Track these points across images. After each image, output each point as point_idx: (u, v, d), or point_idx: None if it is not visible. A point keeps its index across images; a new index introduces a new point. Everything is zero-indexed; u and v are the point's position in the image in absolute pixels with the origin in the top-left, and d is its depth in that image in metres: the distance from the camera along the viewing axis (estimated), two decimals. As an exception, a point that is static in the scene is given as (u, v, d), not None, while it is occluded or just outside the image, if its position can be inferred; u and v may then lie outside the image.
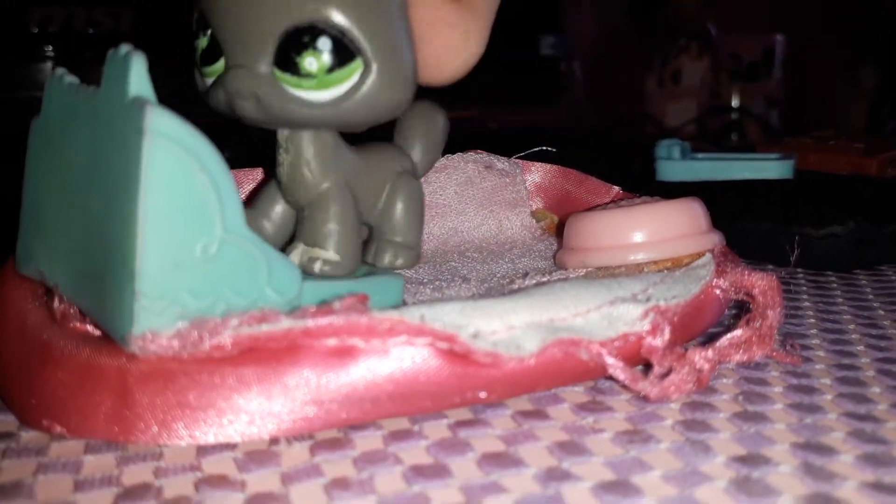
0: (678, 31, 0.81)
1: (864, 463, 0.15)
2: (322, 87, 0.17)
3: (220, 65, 0.18)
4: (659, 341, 0.17)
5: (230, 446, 0.15)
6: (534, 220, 0.28)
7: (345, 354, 0.15)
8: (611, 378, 0.17)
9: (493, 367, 0.16)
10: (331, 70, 0.17)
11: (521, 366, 0.16)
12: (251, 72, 0.17)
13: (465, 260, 0.26)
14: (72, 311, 0.17)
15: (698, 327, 0.19)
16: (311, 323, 0.15)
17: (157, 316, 0.15)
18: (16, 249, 0.19)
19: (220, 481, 0.14)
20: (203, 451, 0.15)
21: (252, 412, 0.15)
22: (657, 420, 0.16)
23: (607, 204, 0.24)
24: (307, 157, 0.19)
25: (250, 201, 0.21)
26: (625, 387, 0.18)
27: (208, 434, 0.15)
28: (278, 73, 0.17)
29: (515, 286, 0.22)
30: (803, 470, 0.14)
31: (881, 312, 0.24)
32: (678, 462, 0.15)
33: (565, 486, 0.14)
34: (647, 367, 0.17)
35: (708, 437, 0.16)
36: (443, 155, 0.26)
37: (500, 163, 0.28)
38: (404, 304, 0.19)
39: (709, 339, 0.19)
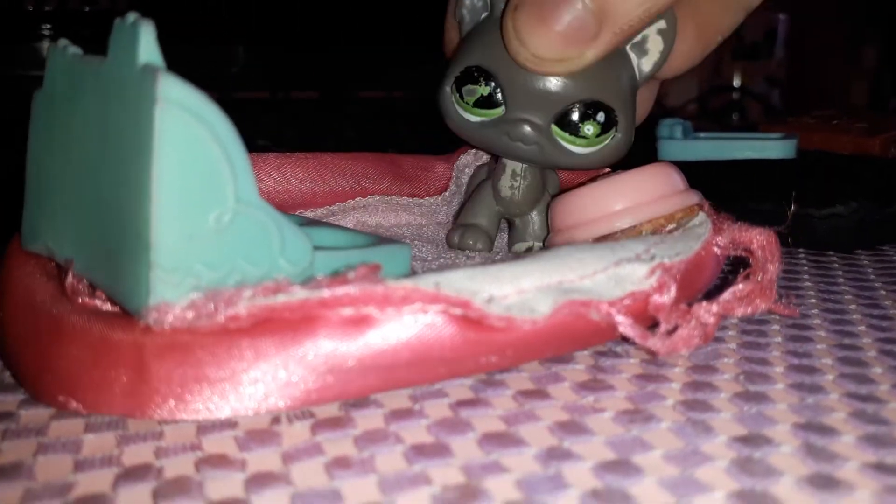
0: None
1: (866, 444, 0.15)
2: (589, 145, 0.23)
3: (498, 111, 0.23)
4: (666, 298, 0.17)
5: (231, 425, 0.15)
6: None
7: (360, 323, 0.15)
8: (623, 338, 0.18)
9: (508, 331, 0.16)
10: (599, 135, 0.23)
11: (534, 328, 0.16)
12: (537, 126, 0.23)
13: None
14: (81, 285, 0.17)
15: (699, 284, 0.20)
16: (327, 293, 0.15)
17: (172, 287, 0.14)
18: (21, 226, 0.19)
19: (220, 461, 0.14)
20: (203, 429, 0.15)
21: (269, 383, 0.15)
22: (658, 399, 0.16)
23: (584, 182, 0.25)
24: (535, 183, 0.25)
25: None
26: (634, 345, 0.18)
27: (225, 407, 0.15)
28: (556, 129, 0.23)
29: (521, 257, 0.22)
30: (804, 450, 0.14)
31: (883, 293, 0.24)
32: (679, 442, 0.15)
33: (566, 465, 0.14)
34: (654, 327, 0.18)
35: (709, 416, 0.16)
36: (448, 153, 0.30)
37: None
38: (414, 273, 0.20)
39: (708, 296, 0.19)
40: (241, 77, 0.51)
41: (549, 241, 0.23)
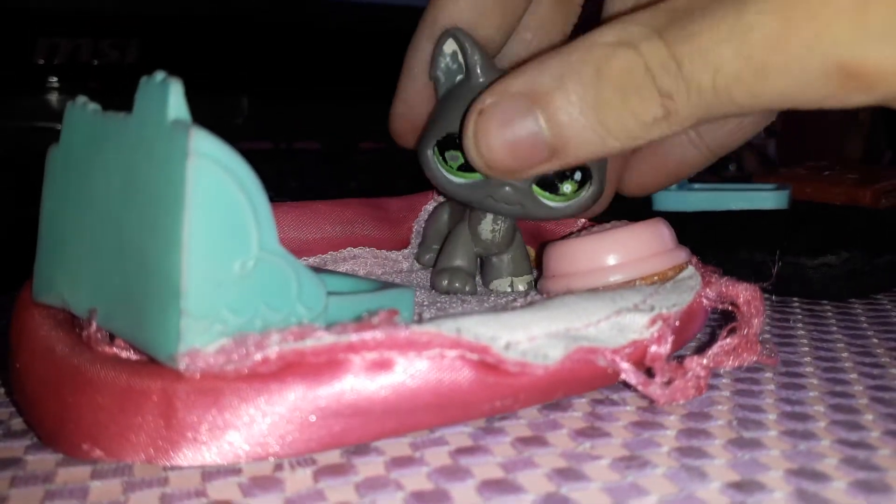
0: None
1: (857, 489, 0.15)
2: (565, 200, 0.24)
3: (479, 175, 0.23)
4: (663, 349, 0.18)
5: (235, 471, 0.16)
6: None
7: (383, 367, 0.16)
8: (624, 384, 0.19)
9: (521, 376, 0.17)
10: (576, 191, 0.24)
11: (545, 373, 0.17)
12: (518, 189, 0.23)
13: None
14: (100, 334, 0.17)
15: (689, 334, 0.21)
16: (354, 337, 0.15)
17: (201, 333, 0.15)
18: (32, 277, 0.19)
19: (224, 507, 0.14)
20: (208, 475, 0.15)
21: (297, 425, 0.15)
22: (653, 446, 0.17)
23: (579, 231, 0.25)
24: (512, 225, 0.26)
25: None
26: (631, 392, 0.19)
27: (252, 450, 0.15)
28: (537, 189, 0.23)
29: (518, 304, 0.22)
30: (797, 496, 0.15)
31: (875, 341, 0.24)
32: (674, 487, 0.15)
33: (563, 511, 0.14)
34: (649, 370, 0.19)
35: (703, 463, 0.16)
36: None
37: None
38: (421, 318, 0.20)
39: (698, 348, 0.20)
40: (244, 128, 0.52)
41: (541, 286, 0.24)
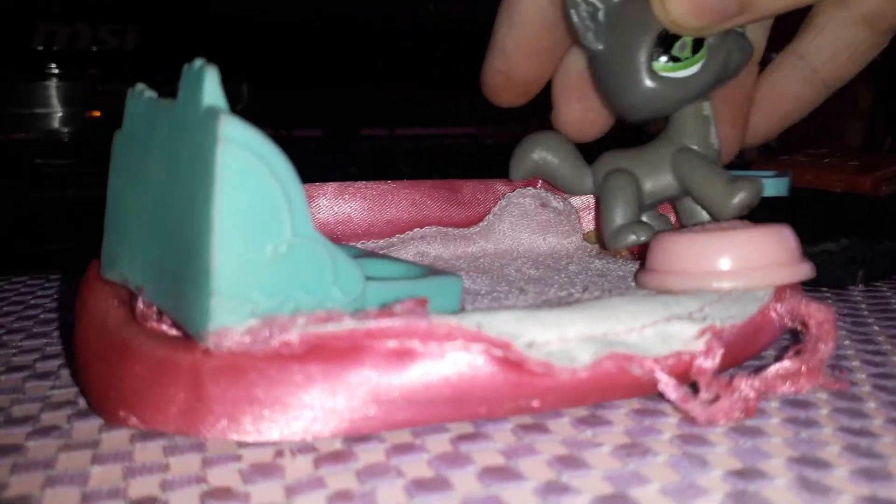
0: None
1: (860, 477, 0.15)
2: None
3: (700, 54, 0.23)
4: (710, 363, 0.17)
5: (235, 457, 0.16)
6: (587, 244, 0.29)
7: (404, 356, 0.16)
8: (660, 396, 0.17)
9: (547, 377, 0.16)
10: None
11: (573, 377, 0.16)
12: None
13: (522, 274, 0.26)
14: (150, 311, 0.18)
15: (751, 350, 0.19)
16: (372, 324, 0.15)
17: (230, 313, 0.15)
18: (100, 256, 0.20)
19: (224, 494, 0.14)
20: (208, 461, 0.15)
21: (316, 409, 0.16)
22: (655, 433, 0.17)
23: (694, 225, 0.23)
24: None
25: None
26: (674, 407, 0.18)
27: (273, 430, 0.16)
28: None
29: (574, 299, 0.22)
30: (799, 484, 0.15)
31: (876, 328, 0.24)
32: (675, 475, 0.15)
33: (564, 499, 0.14)
34: (694, 385, 0.17)
35: (705, 451, 0.16)
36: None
37: (556, 201, 0.29)
38: (463, 309, 0.20)
39: (759, 368, 0.18)
40: (244, 115, 0.51)
41: (638, 277, 0.22)
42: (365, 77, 0.56)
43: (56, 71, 0.47)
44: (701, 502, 0.14)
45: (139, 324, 0.17)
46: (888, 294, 0.28)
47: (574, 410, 0.18)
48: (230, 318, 0.15)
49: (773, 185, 0.36)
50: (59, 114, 0.48)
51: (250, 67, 0.56)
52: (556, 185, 0.28)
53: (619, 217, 0.25)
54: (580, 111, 0.27)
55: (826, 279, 0.28)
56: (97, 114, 0.48)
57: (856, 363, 0.21)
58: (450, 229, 0.29)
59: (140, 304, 0.18)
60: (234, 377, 0.15)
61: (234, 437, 0.16)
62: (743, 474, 0.15)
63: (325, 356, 0.15)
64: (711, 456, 0.16)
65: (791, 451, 0.16)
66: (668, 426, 0.17)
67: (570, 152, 0.28)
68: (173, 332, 0.17)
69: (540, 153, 0.28)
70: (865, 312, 0.26)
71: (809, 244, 0.28)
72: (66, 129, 0.48)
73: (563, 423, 0.17)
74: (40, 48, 0.47)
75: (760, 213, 0.32)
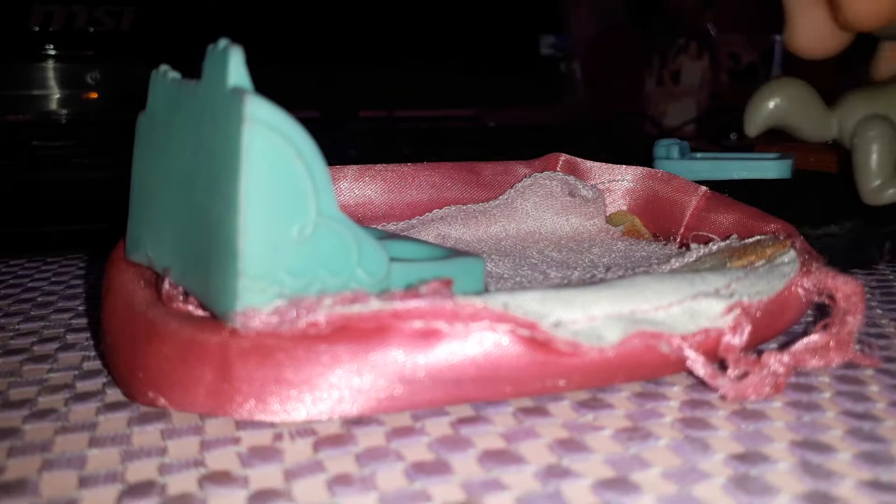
0: (677, 31, 0.81)
1: (862, 461, 0.15)
2: None
3: None
4: (738, 340, 0.17)
5: (234, 440, 0.15)
6: (610, 226, 0.29)
7: (430, 337, 0.15)
8: (690, 374, 0.17)
9: (574, 356, 0.16)
10: None
11: (601, 356, 0.16)
12: None
13: (545, 256, 0.26)
14: (176, 292, 0.18)
15: (779, 326, 0.19)
16: (399, 305, 0.15)
17: (258, 294, 0.15)
18: (126, 237, 0.20)
19: (223, 477, 0.14)
20: (207, 445, 0.15)
21: (343, 389, 0.15)
22: (656, 417, 0.17)
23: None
24: None
25: None
26: (701, 382, 0.18)
27: (301, 410, 0.15)
28: None
29: (597, 279, 0.22)
30: (801, 468, 0.15)
31: (879, 311, 0.24)
32: (677, 459, 0.15)
33: (565, 482, 0.14)
34: (723, 363, 0.17)
35: (707, 434, 0.16)
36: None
37: (584, 189, 0.29)
38: (486, 290, 0.20)
39: (787, 341, 0.18)
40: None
41: None
42: (364, 58, 0.56)
43: (52, 52, 0.46)
44: (703, 486, 0.14)
45: (166, 305, 0.17)
46: (891, 277, 0.28)
47: (575, 394, 0.18)
48: (257, 299, 0.15)
49: (777, 168, 0.35)
50: (56, 95, 0.47)
51: (247, 48, 0.55)
52: (794, 135, 0.27)
53: (877, 170, 0.23)
54: (820, 20, 0.25)
55: (830, 262, 0.28)
56: (94, 95, 0.47)
57: (858, 346, 0.21)
58: (469, 206, 0.28)
59: (166, 285, 0.18)
60: (262, 358, 0.15)
61: (262, 417, 0.15)
62: (745, 458, 0.15)
63: (352, 336, 0.15)
64: (713, 440, 0.16)
65: (793, 434, 0.16)
66: (669, 410, 0.17)
67: (810, 97, 0.25)
68: (199, 312, 0.17)
69: (777, 101, 0.26)
70: (868, 296, 0.26)
71: (813, 227, 0.28)
72: (63, 111, 0.47)
73: (564, 407, 0.17)
74: (36, 29, 0.46)
75: (763, 195, 0.32)
